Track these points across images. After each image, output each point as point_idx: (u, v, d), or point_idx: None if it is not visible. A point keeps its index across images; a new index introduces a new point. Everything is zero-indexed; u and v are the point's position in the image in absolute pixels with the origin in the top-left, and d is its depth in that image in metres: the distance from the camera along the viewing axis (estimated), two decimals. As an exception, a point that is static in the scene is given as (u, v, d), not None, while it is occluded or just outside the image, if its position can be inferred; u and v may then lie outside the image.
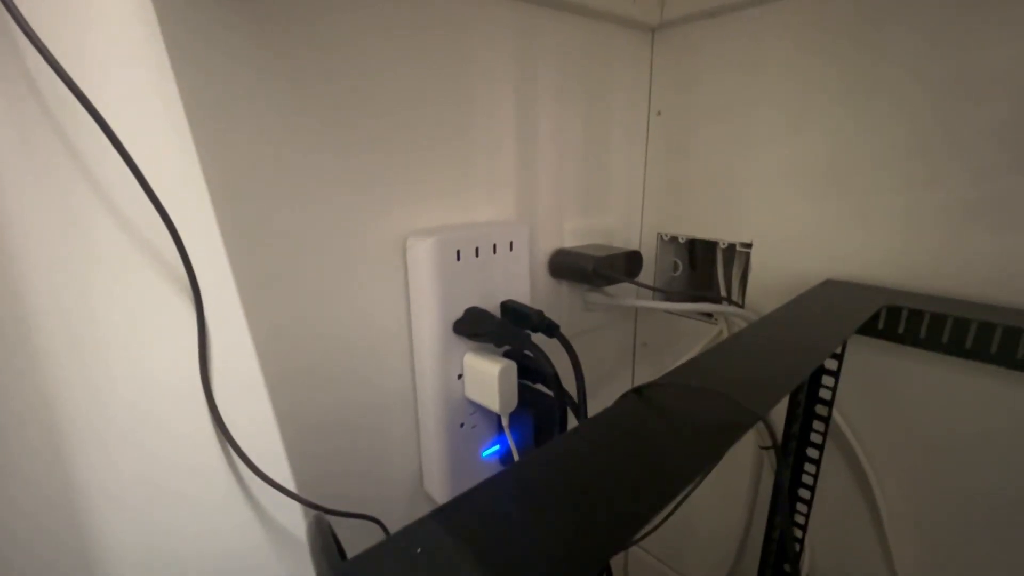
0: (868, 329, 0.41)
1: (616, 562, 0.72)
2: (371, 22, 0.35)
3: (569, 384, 0.39)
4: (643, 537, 0.57)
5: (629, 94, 0.56)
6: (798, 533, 0.48)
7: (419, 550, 0.15)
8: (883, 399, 0.45)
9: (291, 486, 0.34)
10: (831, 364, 0.43)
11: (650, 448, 0.21)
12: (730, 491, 0.58)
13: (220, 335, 0.31)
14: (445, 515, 0.17)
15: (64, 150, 0.25)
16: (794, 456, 0.46)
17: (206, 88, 0.29)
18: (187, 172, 0.28)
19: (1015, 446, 0.39)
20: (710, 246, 0.58)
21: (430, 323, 0.39)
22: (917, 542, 0.45)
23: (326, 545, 0.14)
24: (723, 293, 0.57)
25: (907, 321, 0.39)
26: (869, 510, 0.47)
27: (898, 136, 0.40)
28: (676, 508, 0.56)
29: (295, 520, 0.36)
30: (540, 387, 0.42)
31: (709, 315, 0.58)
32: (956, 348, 0.37)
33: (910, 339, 0.39)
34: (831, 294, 0.41)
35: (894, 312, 0.40)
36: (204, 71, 0.29)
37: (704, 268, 0.64)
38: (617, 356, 0.65)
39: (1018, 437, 0.38)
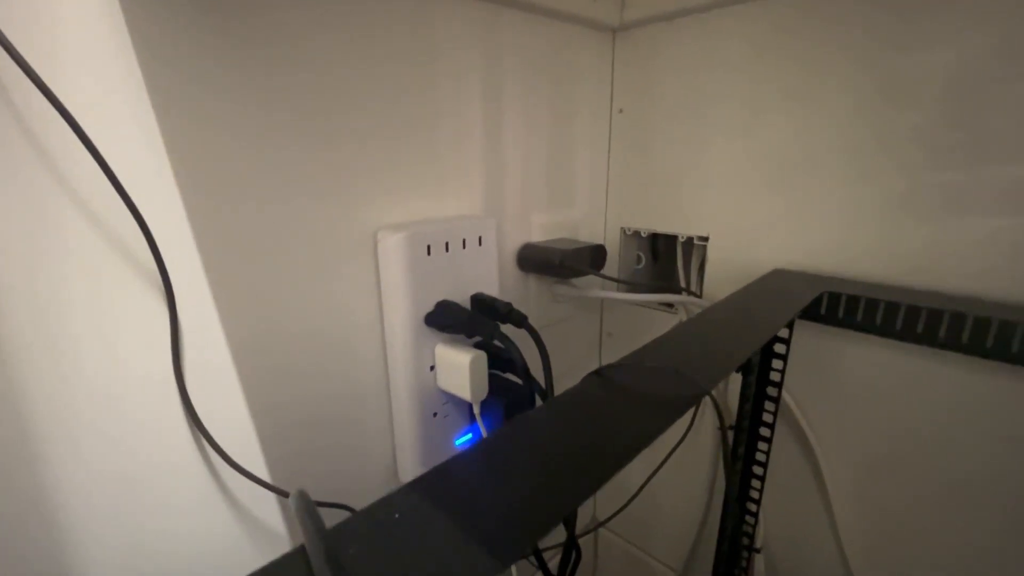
0: (812, 315, 0.44)
1: (586, 544, 0.74)
2: (339, 19, 0.35)
3: (538, 373, 0.41)
4: (610, 519, 0.60)
5: (592, 92, 0.58)
6: (752, 507, 0.51)
7: (397, 515, 0.16)
8: (826, 379, 0.48)
9: (266, 478, 0.35)
10: (780, 348, 0.46)
11: (608, 421, 0.23)
12: (692, 472, 0.61)
13: (192, 330, 0.31)
14: (419, 486, 0.18)
15: (31, 147, 0.25)
16: (748, 434, 0.49)
17: (173, 84, 0.29)
18: (156, 168, 0.29)
19: (941, 419, 0.42)
20: (670, 239, 0.61)
21: (402, 316, 0.40)
22: (860, 511, 0.49)
23: (312, 513, 0.15)
24: (683, 284, 0.60)
25: (845, 306, 0.43)
26: (816, 482, 0.51)
27: (836, 136, 0.44)
28: (641, 489, 0.58)
29: (271, 511, 0.36)
30: (510, 376, 0.44)
31: (670, 305, 0.60)
32: (888, 330, 0.41)
33: (848, 323, 0.43)
34: (777, 282, 0.44)
35: (834, 298, 0.43)
36: (171, 67, 0.29)
37: (665, 260, 0.67)
38: (584, 346, 0.67)
39: (943, 411, 0.42)
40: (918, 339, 0.40)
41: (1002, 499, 0.40)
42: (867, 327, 0.42)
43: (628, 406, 0.24)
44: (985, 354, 0.37)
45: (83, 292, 0.27)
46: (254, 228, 0.34)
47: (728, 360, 0.29)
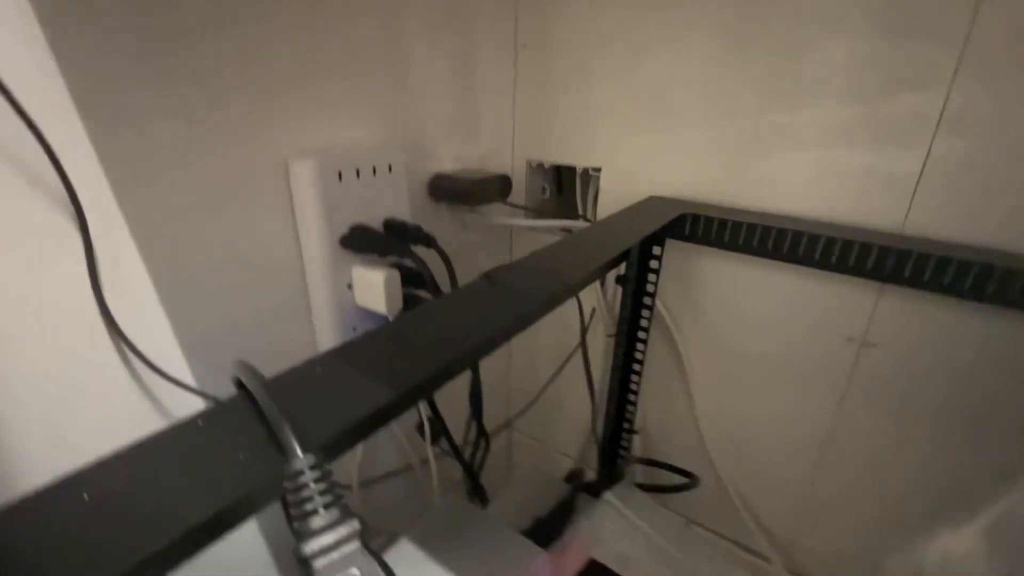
0: (678, 234, 0.53)
1: (502, 443, 0.85)
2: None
3: (447, 288, 0.46)
4: (519, 415, 0.69)
5: (497, 28, 0.60)
6: (632, 398, 0.62)
7: (319, 370, 0.21)
8: (690, 287, 0.58)
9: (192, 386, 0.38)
10: (654, 264, 0.54)
11: (492, 311, 0.29)
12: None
13: (107, 251, 0.33)
14: (335, 352, 0.23)
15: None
16: (627, 337, 0.58)
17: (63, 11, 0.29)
18: (57, 97, 0.29)
19: (776, 316, 0.54)
20: (571, 170, 0.67)
21: (318, 239, 0.43)
22: (713, 395, 0.61)
23: (253, 368, 0.20)
24: (580, 212, 0.67)
25: (703, 226, 0.51)
26: (680, 374, 0.62)
27: (700, 81, 0.51)
28: (545, 388, 0.67)
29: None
30: (422, 292, 0.49)
31: (569, 230, 0.67)
32: (734, 245, 0.50)
33: (706, 240, 0.52)
34: (649, 206, 0.52)
35: (695, 220, 0.52)
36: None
37: (568, 190, 0.73)
38: (496, 271, 0.73)
39: (777, 309, 0.53)
40: (756, 252, 0.50)
41: (823, 378, 0.53)
42: (719, 243, 0.51)
43: (510, 300, 0.30)
44: (799, 261, 0.47)
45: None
46: (163, 153, 0.35)
47: (595, 267, 0.36)
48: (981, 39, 0.38)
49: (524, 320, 0.29)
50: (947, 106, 0.40)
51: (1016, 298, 0.38)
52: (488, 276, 0.32)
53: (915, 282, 0.42)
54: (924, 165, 0.42)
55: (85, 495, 0.15)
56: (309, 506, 0.15)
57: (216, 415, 0.18)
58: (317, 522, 0.15)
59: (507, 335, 0.28)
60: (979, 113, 0.39)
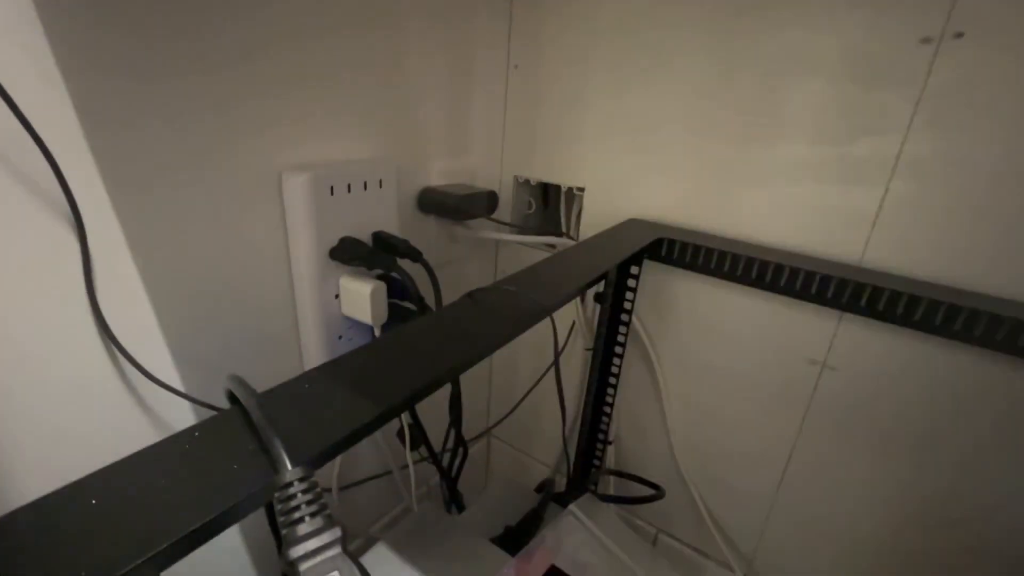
0: (655, 256, 0.55)
1: (480, 450, 0.86)
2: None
3: (431, 301, 0.48)
4: (498, 423, 0.71)
5: (490, 47, 0.62)
6: (607, 409, 0.65)
7: (307, 386, 0.23)
8: (664, 306, 0.61)
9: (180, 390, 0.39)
10: (631, 283, 0.57)
11: (473, 329, 0.31)
12: (564, 386, 0.73)
13: (103, 257, 0.34)
14: (323, 368, 0.25)
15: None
16: (604, 352, 0.60)
17: (68, 23, 0.30)
18: (59, 108, 0.30)
19: (744, 338, 0.56)
20: (557, 188, 0.69)
21: (307, 250, 0.45)
22: (684, 408, 0.63)
23: (246, 384, 0.21)
24: (564, 229, 0.69)
25: (679, 250, 0.54)
26: (654, 387, 0.65)
27: (681, 110, 0.53)
28: (524, 399, 0.69)
29: (188, 421, 0.41)
30: (407, 304, 0.50)
31: (553, 246, 0.70)
32: (707, 269, 0.53)
33: (681, 263, 0.54)
34: (628, 229, 0.55)
35: (672, 244, 0.54)
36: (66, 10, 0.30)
37: (554, 207, 0.75)
38: (480, 283, 0.75)
39: (746, 332, 0.56)
40: (727, 276, 0.52)
41: (787, 397, 0.56)
42: (693, 266, 0.54)
43: (489, 320, 0.32)
44: (766, 288, 0.50)
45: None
46: (160, 163, 0.36)
47: (571, 289, 0.38)
48: (936, 89, 0.41)
49: (502, 339, 0.31)
50: (903, 150, 0.43)
51: (960, 331, 0.41)
52: (471, 296, 0.34)
53: (871, 312, 0.45)
54: (881, 205, 0.45)
55: (93, 500, 0.16)
56: (297, 514, 0.17)
57: (211, 427, 0.20)
58: (303, 529, 0.17)
59: (486, 353, 0.30)
60: (932, 157, 0.43)
